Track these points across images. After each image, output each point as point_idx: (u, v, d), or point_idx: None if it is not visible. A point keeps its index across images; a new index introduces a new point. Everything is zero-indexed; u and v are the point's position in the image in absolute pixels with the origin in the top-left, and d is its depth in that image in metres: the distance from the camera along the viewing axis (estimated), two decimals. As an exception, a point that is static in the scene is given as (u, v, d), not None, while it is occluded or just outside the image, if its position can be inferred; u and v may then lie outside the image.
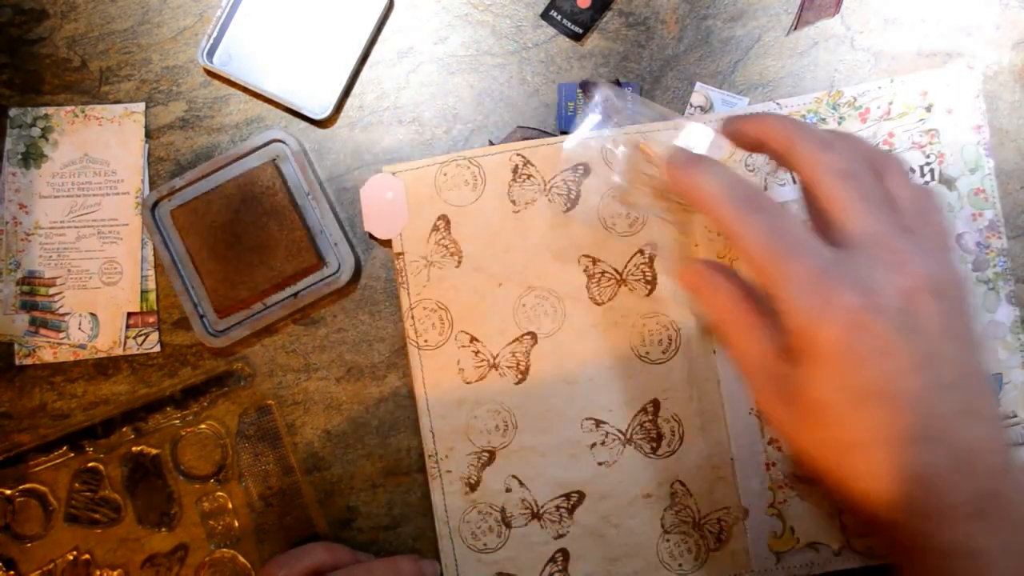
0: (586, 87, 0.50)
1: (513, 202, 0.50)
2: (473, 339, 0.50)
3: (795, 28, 0.51)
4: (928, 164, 0.49)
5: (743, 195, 0.36)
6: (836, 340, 0.33)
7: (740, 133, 0.40)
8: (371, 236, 0.51)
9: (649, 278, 0.50)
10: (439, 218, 0.50)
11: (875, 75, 0.50)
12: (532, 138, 0.51)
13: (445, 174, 0.50)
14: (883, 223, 0.35)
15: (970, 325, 0.36)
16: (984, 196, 0.49)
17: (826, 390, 0.34)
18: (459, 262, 0.50)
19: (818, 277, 0.34)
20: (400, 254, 0.50)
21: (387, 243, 0.51)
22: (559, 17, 0.51)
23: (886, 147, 0.49)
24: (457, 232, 0.50)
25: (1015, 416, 0.48)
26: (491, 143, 0.51)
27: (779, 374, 0.36)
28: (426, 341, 0.50)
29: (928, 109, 0.49)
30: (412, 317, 0.50)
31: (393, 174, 0.50)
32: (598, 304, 0.50)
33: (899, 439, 0.33)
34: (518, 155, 0.50)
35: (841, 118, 0.49)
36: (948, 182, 0.49)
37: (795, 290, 0.34)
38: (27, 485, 0.51)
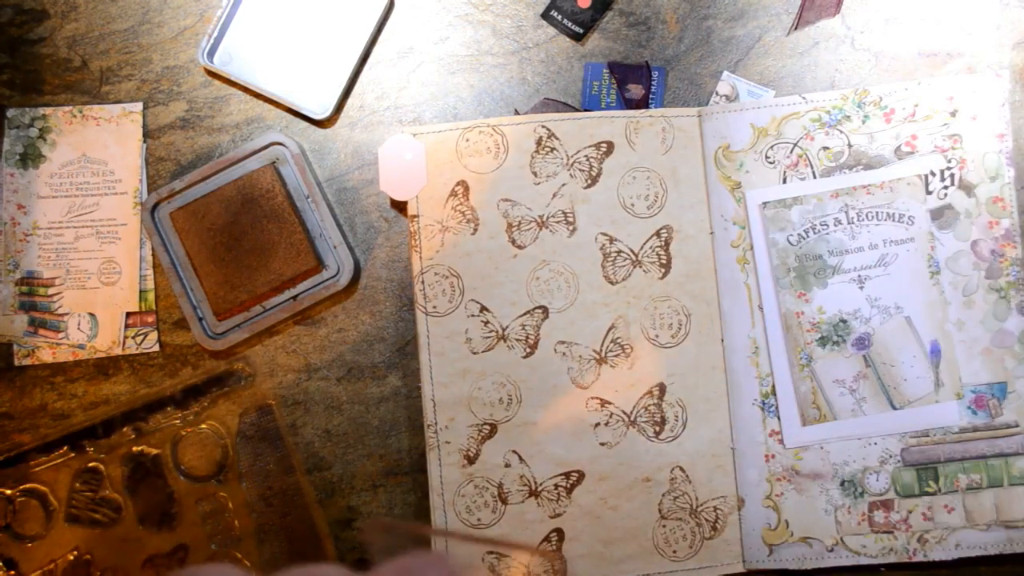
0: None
1: (535, 174, 0.49)
2: (484, 308, 0.50)
3: (795, 28, 0.51)
4: (949, 169, 0.49)
5: None
6: None
7: None
8: (392, 202, 0.50)
9: (664, 261, 0.49)
10: (458, 183, 0.49)
11: (876, 74, 0.50)
12: (559, 111, 0.50)
13: (467, 140, 0.49)
14: None
15: None
16: (1002, 205, 0.49)
17: None
18: (475, 229, 0.49)
19: None
20: (415, 216, 0.49)
21: (402, 206, 0.50)
22: (559, 17, 0.51)
23: (908, 148, 0.49)
24: (475, 199, 0.49)
25: (1017, 426, 0.48)
26: (516, 112, 0.51)
27: None
28: (435, 307, 0.49)
29: (953, 114, 0.49)
30: (422, 282, 0.49)
31: (413, 136, 0.50)
32: (612, 283, 0.49)
33: None
34: (543, 127, 0.49)
35: (866, 117, 0.49)
36: (967, 188, 0.49)
37: None
38: (28, 485, 0.51)
